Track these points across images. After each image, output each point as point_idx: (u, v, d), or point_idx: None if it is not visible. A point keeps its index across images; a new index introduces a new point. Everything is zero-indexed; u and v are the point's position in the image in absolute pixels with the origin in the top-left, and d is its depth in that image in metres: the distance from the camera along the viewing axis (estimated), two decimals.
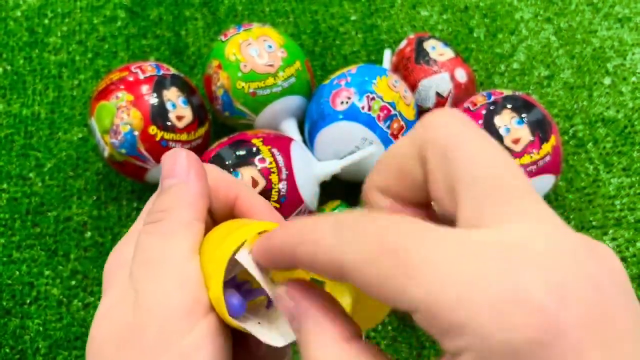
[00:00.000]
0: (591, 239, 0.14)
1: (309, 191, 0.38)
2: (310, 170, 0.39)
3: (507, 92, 0.41)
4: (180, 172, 0.20)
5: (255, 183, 0.36)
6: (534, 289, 0.12)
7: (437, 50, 0.45)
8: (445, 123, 0.16)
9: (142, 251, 0.19)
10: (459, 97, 0.44)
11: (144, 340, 0.17)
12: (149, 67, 0.41)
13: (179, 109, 0.40)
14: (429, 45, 0.45)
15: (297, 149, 0.39)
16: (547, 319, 0.12)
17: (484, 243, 0.13)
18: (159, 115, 0.39)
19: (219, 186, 0.22)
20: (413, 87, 0.44)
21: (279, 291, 0.19)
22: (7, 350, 0.40)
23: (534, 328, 0.12)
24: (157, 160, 0.40)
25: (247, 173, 0.36)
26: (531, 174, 0.38)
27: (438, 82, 0.43)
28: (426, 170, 0.16)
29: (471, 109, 0.40)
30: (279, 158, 0.37)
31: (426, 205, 0.18)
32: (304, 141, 0.44)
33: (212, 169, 0.23)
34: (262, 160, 0.36)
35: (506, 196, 0.14)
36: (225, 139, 0.39)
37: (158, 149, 0.39)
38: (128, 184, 0.46)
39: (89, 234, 0.44)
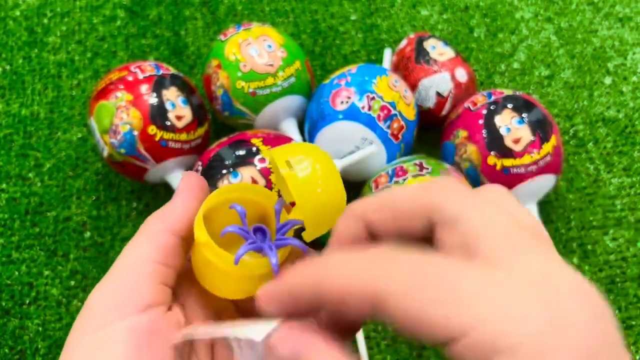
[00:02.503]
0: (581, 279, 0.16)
1: None
2: None
3: (507, 92, 0.41)
4: (182, 188, 0.23)
5: (255, 183, 0.36)
6: (573, 317, 0.14)
7: (438, 50, 0.45)
8: (453, 190, 0.18)
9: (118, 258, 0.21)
10: (459, 96, 0.44)
11: (72, 334, 0.19)
12: (149, 67, 0.41)
13: (179, 108, 0.40)
14: (429, 44, 0.45)
15: None
16: (586, 342, 0.14)
17: (510, 278, 0.15)
18: (158, 115, 0.39)
19: None
20: (413, 86, 0.44)
21: (277, 334, 0.18)
22: (7, 351, 0.40)
23: (575, 352, 0.13)
24: (157, 160, 0.40)
25: (247, 173, 0.36)
26: (532, 174, 0.38)
27: (438, 82, 0.43)
28: (432, 228, 0.17)
29: (471, 108, 0.40)
30: None
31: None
32: (304, 141, 0.44)
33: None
34: (262, 160, 0.36)
35: (515, 246, 0.15)
36: (224, 139, 0.39)
37: (157, 149, 0.39)
38: (127, 184, 0.46)
39: (88, 234, 0.44)
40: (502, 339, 0.14)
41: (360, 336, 0.39)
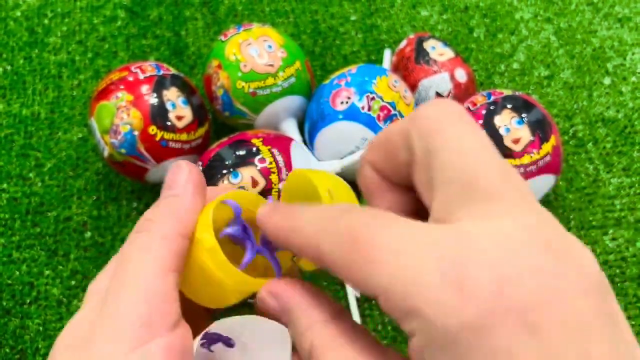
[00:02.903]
0: (571, 241, 0.15)
1: None
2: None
3: (507, 92, 0.41)
4: (178, 185, 0.20)
5: (255, 183, 0.36)
6: (476, 279, 0.13)
7: (437, 50, 0.45)
8: (435, 115, 0.17)
9: (120, 262, 0.19)
10: (459, 97, 0.44)
11: (94, 347, 0.17)
12: (149, 67, 0.41)
13: (179, 109, 0.40)
14: (429, 45, 0.45)
15: (297, 149, 0.39)
16: (483, 305, 0.13)
17: (440, 237, 0.14)
18: (158, 115, 0.39)
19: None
20: (413, 87, 0.44)
21: (260, 295, 0.20)
22: (7, 350, 0.40)
23: (470, 314, 0.13)
24: (157, 160, 0.40)
25: (247, 173, 0.36)
26: (531, 174, 0.38)
27: (438, 82, 0.43)
28: (411, 159, 0.17)
29: (471, 108, 0.40)
30: (279, 158, 0.37)
31: (412, 189, 0.19)
32: (304, 141, 0.44)
33: (219, 189, 0.23)
34: (262, 160, 0.36)
35: (476, 197, 0.15)
36: (225, 139, 0.39)
37: (158, 149, 0.39)
38: (128, 184, 0.46)
39: (88, 234, 0.44)
40: (405, 299, 0.14)
41: None
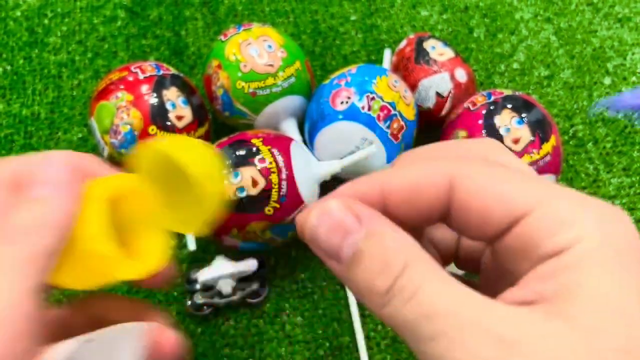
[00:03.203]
0: None
1: (309, 191, 0.38)
2: (310, 170, 0.39)
3: (507, 92, 0.41)
4: (56, 180, 0.17)
5: (255, 183, 0.36)
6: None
7: (437, 50, 0.45)
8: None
9: None
10: (459, 97, 0.44)
11: None
12: (149, 67, 0.41)
13: (179, 108, 0.40)
14: (428, 45, 0.45)
15: (297, 149, 0.39)
16: None
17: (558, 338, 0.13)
18: (158, 115, 0.39)
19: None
20: (413, 87, 0.44)
21: (324, 206, 0.16)
22: None
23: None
24: None
25: (247, 173, 0.36)
26: None
27: (438, 82, 0.43)
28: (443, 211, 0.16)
29: (471, 108, 0.40)
30: (279, 158, 0.37)
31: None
32: (304, 141, 0.44)
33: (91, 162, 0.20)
34: (262, 160, 0.36)
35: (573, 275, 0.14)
36: (225, 139, 0.39)
37: None
38: None
39: None
40: (567, 215, 0.13)
41: (360, 336, 0.39)
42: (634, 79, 0.51)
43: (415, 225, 0.17)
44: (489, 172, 0.15)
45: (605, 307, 0.13)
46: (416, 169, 0.16)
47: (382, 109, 0.39)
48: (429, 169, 0.15)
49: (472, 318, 0.13)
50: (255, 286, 0.40)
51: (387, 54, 0.50)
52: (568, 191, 0.15)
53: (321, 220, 0.15)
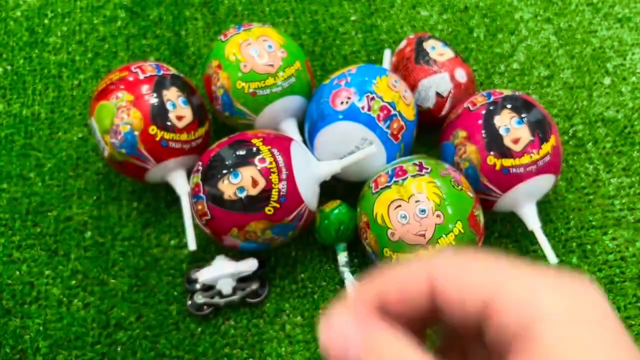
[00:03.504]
0: None
1: (309, 191, 0.38)
2: (310, 170, 0.39)
3: (506, 92, 0.41)
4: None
5: (255, 183, 0.36)
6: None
7: (437, 50, 0.45)
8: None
9: None
10: (459, 97, 0.44)
11: None
12: (149, 67, 0.41)
13: (179, 109, 0.40)
14: (428, 45, 0.45)
15: (297, 149, 0.39)
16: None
17: None
18: (159, 115, 0.39)
19: None
20: (413, 87, 0.44)
21: (332, 319, 0.17)
22: (8, 350, 0.40)
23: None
24: (157, 160, 0.40)
25: (247, 173, 0.36)
26: (531, 174, 0.38)
27: (438, 82, 0.43)
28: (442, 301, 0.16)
29: (471, 108, 0.41)
30: (279, 158, 0.37)
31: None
32: (304, 141, 0.44)
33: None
34: (262, 160, 0.37)
35: None
36: (225, 139, 0.39)
37: (158, 149, 0.39)
38: (128, 183, 0.46)
39: (89, 233, 0.44)
40: (523, 296, 0.14)
41: None
42: (633, 79, 0.51)
43: (416, 321, 0.18)
44: (458, 265, 0.16)
45: None
46: (401, 272, 0.17)
47: (382, 109, 0.39)
48: (411, 271, 0.17)
49: None
50: (255, 286, 0.40)
51: (387, 54, 0.50)
52: (527, 271, 0.15)
53: (326, 335, 0.16)
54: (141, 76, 0.40)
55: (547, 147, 0.38)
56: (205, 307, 0.40)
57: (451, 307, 0.16)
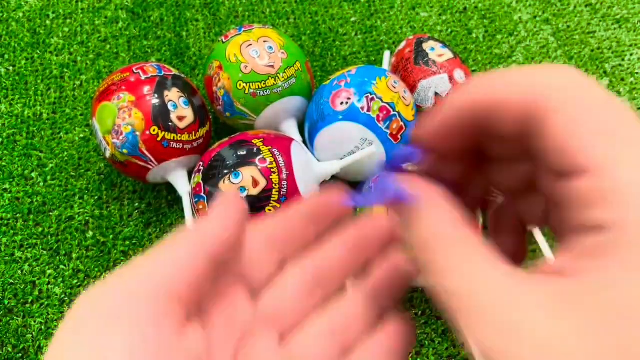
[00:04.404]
0: None
1: (309, 191, 0.38)
2: (310, 170, 0.39)
3: None
4: (213, 212, 0.19)
5: (256, 183, 0.36)
6: None
7: (436, 51, 0.45)
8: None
9: (72, 316, 0.16)
10: None
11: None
12: (151, 68, 0.42)
13: (180, 109, 0.40)
14: (428, 46, 0.46)
15: (298, 149, 0.39)
16: None
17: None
18: (160, 115, 0.39)
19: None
20: (412, 87, 0.44)
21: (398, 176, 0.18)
22: (10, 349, 0.40)
23: None
24: (159, 161, 0.40)
25: (248, 173, 0.36)
26: None
27: (437, 83, 0.44)
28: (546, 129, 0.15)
29: None
30: (280, 158, 0.37)
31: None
32: (304, 142, 0.44)
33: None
34: (263, 160, 0.37)
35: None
36: (226, 139, 0.39)
37: (159, 149, 0.40)
38: (130, 183, 0.46)
39: (90, 233, 0.44)
40: (626, 189, 0.13)
41: None
42: (631, 79, 0.51)
43: (494, 142, 0.17)
44: (573, 113, 0.14)
45: (624, 315, 0.12)
46: (503, 82, 0.16)
47: (381, 109, 0.40)
48: (517, 83, 0.15)
49: (486, 302, 0.13)
50: None
51: (387, 55, 0.51)
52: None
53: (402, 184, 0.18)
54: (143, 77, 0.41)
55: None
56: None
57: (495, 122, 0.16)
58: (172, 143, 0.40)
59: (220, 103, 0.43)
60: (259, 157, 0.37)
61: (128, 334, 0.15)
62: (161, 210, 0.45)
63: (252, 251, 0.21)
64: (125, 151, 0.39)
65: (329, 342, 0.19)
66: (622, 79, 0.51)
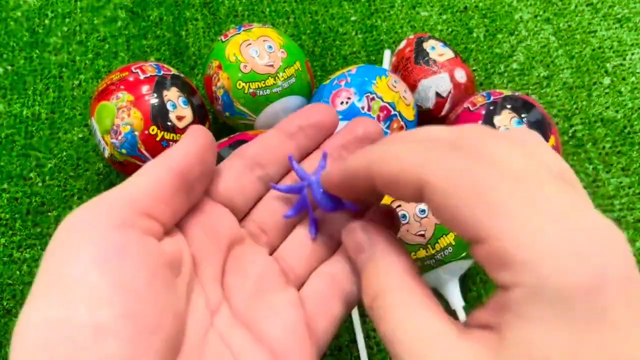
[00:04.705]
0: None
1: None
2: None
3: (506, 93, 0.41)
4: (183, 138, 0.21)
5: None
6: (590, 247, 0.14)
7: (437, 51, 0.45)
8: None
9: (61, 229, 0.18)
10: (459, 97, 0.44)
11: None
12: (150, 68, 0.41)
13: (180, 109, 0.40)
14: (428, 45, 0.45)
15: None
16: (596, 271, 0.13)
17: (558, 201, 0.14)
18: (159, 115, 0.39)
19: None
20: (413, 87, 0.44)
21: (352, 225, 0.20)
22: (9, 350, 0.40)
23: (586, 276, 0.13)
24: None
25: None
26: None
27: (438, 82, 0.44)
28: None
29: (471, 109, 0.41)
30: None
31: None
32: None
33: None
34: None
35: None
36: (225, 139, 0.39)
37: (159, 149, 0.39)
38: None
39: None
40: (517, 250, 0.14)
41: (360, 336, 0.39)
42: (633, 79, 0.51)
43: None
44: (457, 184, 0.15)
45: None
46: (396, 162, 0.17)
47: (382, 109, 0.39)
48: (405, 164, 0.17)
49: (428, 355, 0.15)
50: None
51: (387, 55, 0.51)
52: (535, 217, 0.14)
53: (348, 236, 0.21)
54: (141, 76, 0.40)
55: None
56: None
57: (391, 192, 0.18)
58: (171, 143, 0.40)
59: (220, 103, 0.43)
60: None
61: (90, 243, 0.17)
62: None
63: (231, 175, 0.22)
64: (124, 151, 0.39)
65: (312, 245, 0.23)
66: (624, 79, 0.51)
